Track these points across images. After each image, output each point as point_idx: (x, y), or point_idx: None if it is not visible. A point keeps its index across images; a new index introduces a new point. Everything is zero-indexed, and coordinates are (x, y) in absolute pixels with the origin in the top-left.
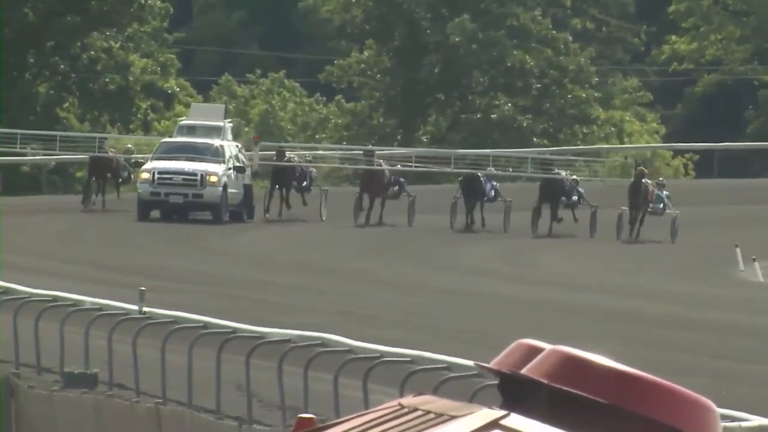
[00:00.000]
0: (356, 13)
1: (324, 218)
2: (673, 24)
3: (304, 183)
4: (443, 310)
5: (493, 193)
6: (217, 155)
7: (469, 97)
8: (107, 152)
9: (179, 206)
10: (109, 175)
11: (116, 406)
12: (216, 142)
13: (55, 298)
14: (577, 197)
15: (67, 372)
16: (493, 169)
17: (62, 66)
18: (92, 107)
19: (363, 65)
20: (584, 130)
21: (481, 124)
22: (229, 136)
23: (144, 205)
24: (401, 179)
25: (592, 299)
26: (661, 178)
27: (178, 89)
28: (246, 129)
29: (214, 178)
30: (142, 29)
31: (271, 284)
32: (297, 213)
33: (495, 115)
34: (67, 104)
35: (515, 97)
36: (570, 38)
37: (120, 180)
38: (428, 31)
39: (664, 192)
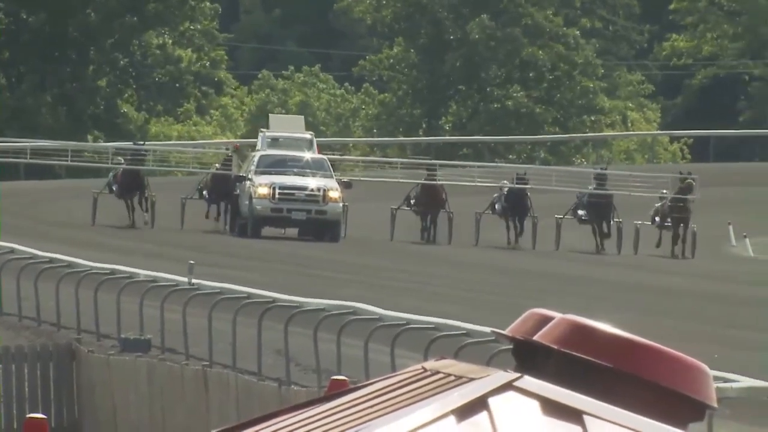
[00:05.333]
0: (386, 13)
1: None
2: (674, 23)
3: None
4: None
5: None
6: (325, 169)
7: (487, 89)
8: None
9: (301, 223)
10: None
11: (167, 369)
12: (310, 155)
13: (113, 271)
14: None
15: (124, 338)
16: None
17: (121, 61)
18: (148, 98)
19: (392, 60)
20: (591, 119)
21: (498, 113)
22: (315, 148)
23: (261, 222)
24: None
25: (612, 273)
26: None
27: (225, 79)
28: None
29: (335, 194)
30: (193, 27)
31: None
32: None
33: (510, 104)
34: (126, 95)
35: (529, 88)
36: (578, 33)
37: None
38: (451, 30)
39: None
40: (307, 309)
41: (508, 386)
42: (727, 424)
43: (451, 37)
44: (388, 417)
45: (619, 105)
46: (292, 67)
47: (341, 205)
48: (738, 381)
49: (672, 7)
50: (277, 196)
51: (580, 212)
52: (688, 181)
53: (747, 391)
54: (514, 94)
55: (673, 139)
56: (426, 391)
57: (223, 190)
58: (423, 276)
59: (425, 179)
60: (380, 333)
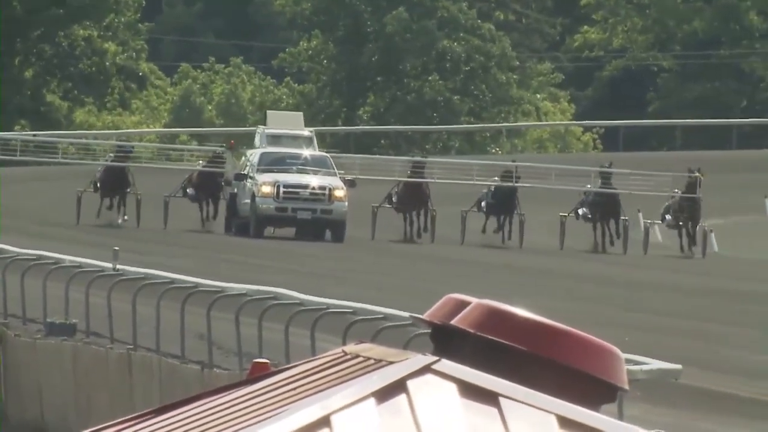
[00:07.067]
0: (305, 6)
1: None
2: (585, 16)
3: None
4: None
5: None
6: (328, 166)
7: (404, 80)
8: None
9: (306, 223)
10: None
11: (92, 352)
12: (309, 152)
13: (39, 257)
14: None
15: (49, 322)
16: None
17: (47, 52)
18: (73, 88)
19: (311, 52)
20: (506, 110)
21: (414, 103)
22: (315, 145)
23: (265, 221)
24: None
25: (543, 262)
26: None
27: (149, 72)
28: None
29: (340, 193)
30: (117, 20)
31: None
32: None
33: (427, 94)
34: (53, 86)
35: (445, 79)
36: (493, 28)
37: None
38: (368, 22)
39: None
40: (229, 294)
41: (426, 369)
42: (637, 405)
43: (369, 30)
44: (309, 399)
45: (533, 98)
46: (213, 59)
47: (346, 204)
48: (648, 363)
49: (583, 2)
50: (281, 194)
51: (581, 210)
52: (696, 176)
53: (656, 373)
54: (432, 84)
55: (585, 130)
56: (346, 374)
57: (209, 188)
58: (379, 267)
59: (408, 176)
60: (301, 317)
